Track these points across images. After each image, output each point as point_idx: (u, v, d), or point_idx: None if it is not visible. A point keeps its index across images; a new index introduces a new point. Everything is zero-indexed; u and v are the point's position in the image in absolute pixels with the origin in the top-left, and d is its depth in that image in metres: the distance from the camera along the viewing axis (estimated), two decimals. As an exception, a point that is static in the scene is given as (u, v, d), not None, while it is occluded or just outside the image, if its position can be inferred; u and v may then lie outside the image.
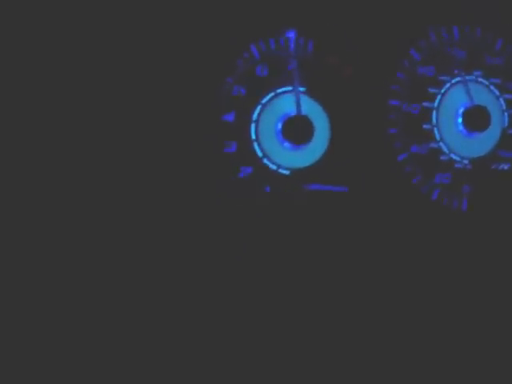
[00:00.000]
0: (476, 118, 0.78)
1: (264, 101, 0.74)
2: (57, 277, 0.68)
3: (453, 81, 0.79)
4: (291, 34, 0.75)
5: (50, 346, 0.67)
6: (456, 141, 0.79)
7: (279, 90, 0.75)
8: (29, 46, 0.69)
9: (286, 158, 0.75)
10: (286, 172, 0.75)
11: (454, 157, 0.79)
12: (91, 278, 0.69)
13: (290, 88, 0.75)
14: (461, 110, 0.79)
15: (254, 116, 0.74)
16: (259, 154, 0.74)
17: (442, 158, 0.79)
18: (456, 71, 0.79)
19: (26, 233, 0.68)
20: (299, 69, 0.75)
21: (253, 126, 0.74)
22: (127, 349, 0.68)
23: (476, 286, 0.76)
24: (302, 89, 0.75)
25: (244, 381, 0.70)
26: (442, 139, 0.79)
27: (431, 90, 0.79)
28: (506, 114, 0.81)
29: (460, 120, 0.79)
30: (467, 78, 0.79)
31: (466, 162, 0.79)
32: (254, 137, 0.74)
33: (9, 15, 0.69)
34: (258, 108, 0.74)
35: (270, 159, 0.74)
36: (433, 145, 0.79)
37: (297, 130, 0.74)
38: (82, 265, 0.69)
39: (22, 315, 0.67)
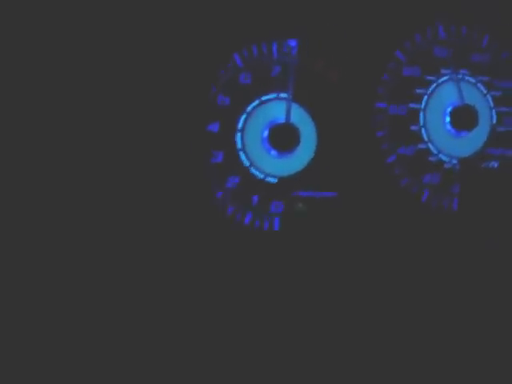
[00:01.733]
0: (464, 117, 0.78)
1: (249, 109, 0.74)
2: (48, 276, 0.68)
3: (439, 80, 0.79)
4: (293, 43, 0.74)
5: (49, 346, 0.67)
6: (444, 141, 0.79)
7: (264, 98, 0.74)
8: (28, 46, 0.69)
9: (273, 166, 0.74)
10: (274, 180, 0.74)
11: (443, 157, 0.79)
12: (79, 283, 0.69)
13: (274, 95, 0.74)
14: (448, 110, 0.79)
15: (240, 125, 0.74)
16: (246, 163, 0.74)
17: (431, 158, 0.78)
18: (443, 71, 0.79)
19: (23, 232, 0.68)
20: (289, 76, 0.74)
21: (238, 134, 0.74)
22: (121, 350, 0.69)
23: (468, 286, 0.76)
24: (286, 95, 0.74)
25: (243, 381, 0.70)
26: (430, 140, 0.78)
27: (418, 91, 0.78)
28: (493, 111, 0.80)
29: (448, 119, 0.79)
30: (456, 76, 0.78)
31: (454, 161, 0.79)
32: (239, 146, 0.74)
33: (9, 15, 0.69)
34: (243, 116, 0.74)
35: (257, 168, 0.74)
36: (421, 146, 0.78)
37: (283, 138, 0.73)
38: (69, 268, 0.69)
39: (22, 315, 0.68)
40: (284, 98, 0.74)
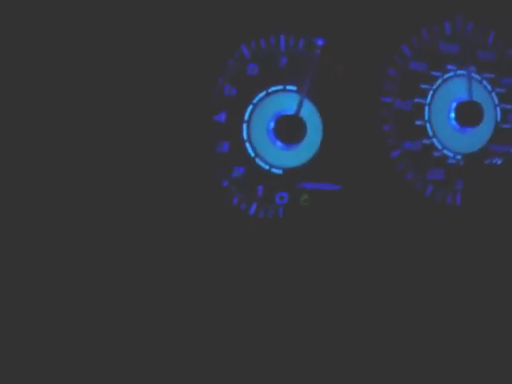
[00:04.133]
0: (469, 113, 0.78)
1: (255, 100, 0.74)
2: (46, 277, 0.69)
3: (445, 76, 0.79)
4: (320, 42, 0.75)
5: (49, 346, 0.67)
6: (449, 136, 0.79)
7: (270, 89, 0.74)
8: (26, 46, 0.69)
9: (278, 157, 0.75)
10: (279, 171, 0.75)
11: (447, 152, 0.79)
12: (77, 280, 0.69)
13: (281, 87, 0.74)
14: (453, 105, 0.79)
15: (246, 116, 0.74)
16: (251, 153, 0.74)
17: (435, 153, 0.79)
18: (449, 66, 0.79)
19: (23, 232, 0.68)
20: (308, 72, 0.74)
21: (244, 125, 0.74)
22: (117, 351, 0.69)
23: (471, 281, 0.76)
24: (293, 88, 0.74)
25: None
26: (434, 135, 0.79)
27: (423, 86, 0.78)
28: (498, 108, 0.81)
29: (453, 115, 0.79)
30: (462, 72, 0.79)
31: (458, 157, 0.79)
32: (245, 137, 0.74)
33: (9, 15, 0.69)
34: (250, 108, 0.74)
35: (262, 159, 0.74)
36: (425, 141, 0.79)
37: (289, 129, 0.74)
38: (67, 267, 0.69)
39: (22, 315, 0.67)
40: (291, 90, 0.74)
